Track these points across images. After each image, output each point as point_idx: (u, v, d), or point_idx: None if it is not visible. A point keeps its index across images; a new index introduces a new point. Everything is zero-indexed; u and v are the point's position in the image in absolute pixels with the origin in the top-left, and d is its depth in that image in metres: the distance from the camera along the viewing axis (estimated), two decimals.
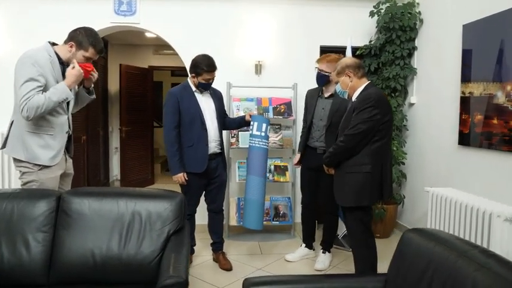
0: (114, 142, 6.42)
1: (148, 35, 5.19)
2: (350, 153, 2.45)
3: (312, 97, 3.32)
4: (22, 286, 1.90)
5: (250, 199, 3.14)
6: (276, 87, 3.97)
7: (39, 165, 2.26)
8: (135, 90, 6.17)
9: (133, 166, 6.16)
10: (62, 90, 2.20)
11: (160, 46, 6.62)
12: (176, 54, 4.03)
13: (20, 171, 2.31)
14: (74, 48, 2.31)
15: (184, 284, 1.58)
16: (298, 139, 3.54)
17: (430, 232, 1.53)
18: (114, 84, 6.31)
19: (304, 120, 3.40)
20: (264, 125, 3.13)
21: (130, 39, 6.15)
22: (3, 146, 2.34)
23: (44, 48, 2.29)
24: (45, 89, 2.21)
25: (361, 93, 2.52)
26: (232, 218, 3.88)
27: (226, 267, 3.13)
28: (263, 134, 3.13)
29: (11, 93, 3.65)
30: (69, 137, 2.47)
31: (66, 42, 2.34)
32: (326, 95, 3.20)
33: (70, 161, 2.55)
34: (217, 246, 3.22)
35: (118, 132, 6.26)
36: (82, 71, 2.29)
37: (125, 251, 1.99)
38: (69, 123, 2.45)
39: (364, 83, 2.56)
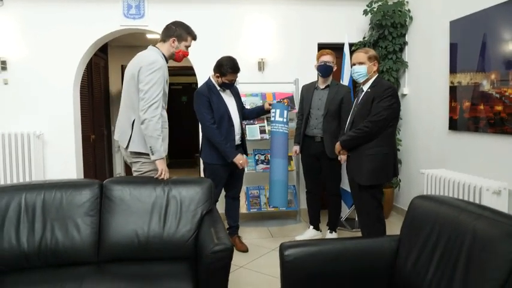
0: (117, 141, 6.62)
1: (148, 36, 5.40)
2: (372, 137, 2.73)
3: (308, 90, 3.61)
4: (75, 264, 2.13)
5: (276, 180, 3.45)
6: (279, 83, 4.25)
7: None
8: None
9: None
10: (159, 153, 2.40)
11: None
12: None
13: (139, 161, 2.51)
14: (176, 42, 2.56)
15: (231, 249, 1.85)
16: (295, 135, 3.81)
17: (433, 197, 1.82)
18: (114, 85, 6.49)
19: (300, 113, 3.69)
20: (285, 112, 3.47)
21: (130, 40, 6.32)
22: (127, 147, 2.52)
23: (158, 53, 2.50)
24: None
25: (374, 84, 2.80)
26: (242, 206, 4.13)
27: (243, 249, 3.41)
28: (284, 120, 3.46)
29: (29, 95, 3.90)
30: None
31: (165, 40, 2.56)
32: (322, 86, 3.50)
33: None
34: (233, 230, 3.48)
35: None
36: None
37: (165, 231, 2.24)
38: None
39: (376, 75, 2.87)
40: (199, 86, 4.18)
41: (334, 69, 3.47)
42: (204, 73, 4.14)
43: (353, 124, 2.85)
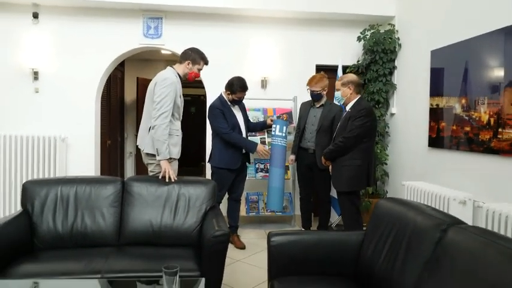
0: (129, 147, 7.11)
1: (162, 51, 5.91)
2: (346, 151, 3.22)
3: (305, 107, 4.10)
4: (100, 245, 2.57)
5: (274, 186, 3.95)
6: (279, 99, 4.72)
7: (171, 158, 2.92)
8: None
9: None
10: (164, 154, 2.83)
11: (171, 61, 7.35)
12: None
13: (153, 163, 2.96)
14: (191, 64, 3.06)
15: (228, 235, 2.29)
16: (292, 146, 4.27)
17: (394, 199, 2.25)
18: (129, 95, 7.00)
19: (298, 127, 4.15)
20: (284, 127, 3.98)
21: (145, 54, 6.85)
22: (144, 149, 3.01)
23: (172, 72, 3.01)
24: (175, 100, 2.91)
25: (354, 105, 3.29)
26: (242, 210, 4.55)
27: (241, 246, 3.84)
28: (283, 134, 3.96)
29: (57, 103, 4.42)
30: None
31: (182, 61, 3.07)
32: (317, 105, 3.96)
33: None
34: (233, 229, 3.91)
35: (133, 138, 6.95)
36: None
37: (175, 222, 2.69)
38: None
39: (357, 97, 3.34)
40: (207, 97, 4.69)
41: (323, 93, 3.90)
42: (212, 86, 4.64)
43: (335, 138, 3.33)
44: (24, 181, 4.24)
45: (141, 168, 6.78)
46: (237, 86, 3.65)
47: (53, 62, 4.54)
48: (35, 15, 4.48)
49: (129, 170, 7.14)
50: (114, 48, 4.65)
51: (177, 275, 1.69)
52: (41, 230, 2.54)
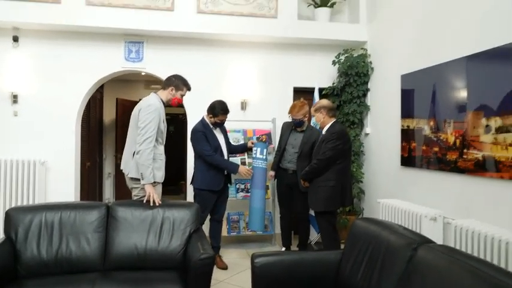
0: (107, 168, 7.08)
1: (142, 72, 5.98)
2: (320, 172, 3.38)
3: (287, 128, 4.22)
4: (85, 271, 2.59)
5: (255, 207, 4.04)
6: (258, 121, 4.86)
7: (155, 182, 2.99)
8: (129, 121, 6.87)
9: (127, 190, 6.76)
10: (148, 178, 2.91)
11: (151, 82, 7.44)
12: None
13: (137, 187, 3.04)
14: (174, 90, 3.16)
15: (213, 257, 2.38)
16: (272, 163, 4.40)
17: (369, 219, 2.40)
18: (108, 116, 7.01)
19: (279, 146, 4.28)
20: (265, 150, 4.11)
21: (123, 75, 6.89)
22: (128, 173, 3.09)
23: (156, 98, 3.10)
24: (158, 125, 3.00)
25: (328, 128, 3.47)
26: (223, 230, 4.62)
27: (223, 266, 3.90)
28: (264, 156, 4.09)
29: (36, 126, 4.43)
30: None
31: (165, 88, 3.18)
32: (299, 130, 4.10)
33: None
34: (215, 250, 3.97)
35: (112, 159, 6.94)
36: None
37: (160, 245, 2.75)
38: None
39: (332, 120, 3.52)
40: (188, 119, 4.79)
41: (305, 120, 4.01)
42: (192, 108, 4.74)
43: (310, 161, 3.49)
44: (1, 206, 4.24)
45: (120, 189, 6.75)
46: (219, 109, 3.77)
47: (33, 85, 4.55)
48: (15, 39, 4.50)
49: (108, 191, 7.09)
50: (95, 72, 4.70)
51: None
52: (25, 257, 2.55)
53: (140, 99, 7.41)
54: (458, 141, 3.28)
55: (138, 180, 2.99)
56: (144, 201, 2.90)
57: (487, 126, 2.96)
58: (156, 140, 3.03)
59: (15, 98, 4.48)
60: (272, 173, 4.28)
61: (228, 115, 3.96)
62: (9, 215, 2.65)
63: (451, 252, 1.69)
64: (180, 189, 8.24)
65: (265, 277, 2.32)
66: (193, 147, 3.84)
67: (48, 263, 2.56)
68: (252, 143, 4.12)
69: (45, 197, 4.47)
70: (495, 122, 2.88)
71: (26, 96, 4.53)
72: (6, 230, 2.63)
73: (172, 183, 9.48)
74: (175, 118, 9.93)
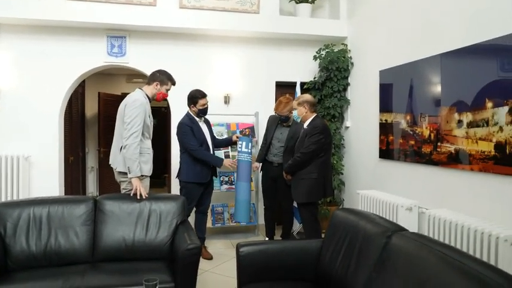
0: (90, 162, 7.07)
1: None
2: (303, 165, 3.50)
3: (273, 122, 4.33)
4: (75, 263, 2.66)
5: (240, 199, 4.16)
6: (241, 115, 4.95)
7: (142, 175, 3.06)
8: (111, 115, 6.87)
9: (110, 184, 6.79)
10: (135, 172, 2.98)
11: (132, 75, 7.42)
12: (145, 83, 4.89)
13: (125, 181, 3.10)
14: (159, 85, 3.21)
15: (200, 247, 2.49)
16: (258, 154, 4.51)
17: (348, 209, 2.54)
18: (90, 110, 6.98)
19: (265, 139, 4.39)
20: (250, 144, 4.19)
21: (106, 69, 6.87)
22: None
23: (141, 93, 3.16)
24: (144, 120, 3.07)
25: (310, 122, 3.59)
26: (208, 221, 4.72)
27: (208, 257, 4.01)
28: (249, 150, 4.18)
29: (19, 121, 4.41)
30: None
31: (150, 83, 3.23)
32: (285, 124, 4.21)
33: None
34: (201, 241, 4.05)
35: (95, 153, 6.93)
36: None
37: (147, 237, 2.83)
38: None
39: (313, 115, 3.64)
40: (172, 112, 4.85)
41: (290, 115, 4.11)
42: (176, 102, 4.80)
43: (294, 154, 3.62)
44: None
45: (103, 182, 6.76)
46: (196, 95, 3.85)
47: (15, 80, 4.52)
48: None
49: (91, 185, 7.08)
50: (77, 66, 4.70)
51: (157, 287, 1.86)
52: (15, 251, 2.59)
53: (122, 93, 7.54)
54: (432, 134, 3.45)
55: (126, 174, 3.05)
56: (131, 195, 2.97)
57: (459, 121, 3.13)
58: (143, 134, 3.09)
59: None
60: (257, 164, 4.40)
61: (212, 109, 4.04)
62: None
63: (421, 239, 1.84)
64: (163, 183, 8.28)
65: (250, 265, 2.44)
66: (179, 141, 3.91)
67: (37, 256, 2.61)
68: (237, 137, 4.21)
69: (29, 192, 4.47)
70: (467, 117, 3.05)
71: (7, 91, 4.50)
72: None
73: (156, 176, 9.52)
74: (158, 111, 9.91)
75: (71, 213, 2.79)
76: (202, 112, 3.92)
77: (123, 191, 3.16)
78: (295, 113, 3.81)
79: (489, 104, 2.83)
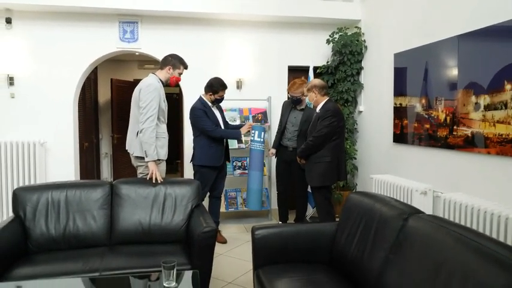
0: (104, 148, 7.15)
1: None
2: (316, 149, 3.51)
3: (287, 107, 4.32)
4: (93, 246, 2.71)
5: (253, 188, 4.19)
6: (254, 100, 4.94)
7: (159, 159, 3.11)
8: (124, 101, 6.91)
9: (124, 169, 6.90)
10: (151, 156, 3.02)
11: (144, 61, 7.44)
12: (157, 68, 4.90)
13: (142, 165, 3.15)
14: (171, 69, 3.23)
15: (215, 231, 2.51)
16: (273, 141, 4.52)
17: (362, 192, 2.53)
18: (103, 96, 7.03)
19: (280, 124, 4.39)
20: (263, 133, 4.19)
21: (118, 55, 6.88)
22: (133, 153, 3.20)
23: (155, 78, 3.18)
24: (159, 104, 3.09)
25: (322, 106, 3.57)
26: (221, 206, 4.77)
27: (222, 240, 4.05)
28: (261, 139, 4.19)
29: (34, 108, 4.46)
30: None
31: (162, 67, 3.25)
32: (298, 108, 4.20)
33: None
34: (215, 225, 4.11)
35: (109, 139, 7.00)
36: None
37: (163, 220, 2.87)
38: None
39: (325, 99, 3.61)
40: (184, 98, 4.86)
41: (303, 98, 4.10)
42: (188, 87, 4.81)
43: (307, 138, 3.62)
44: (3, 187, 4.32)
45: (117, 168, 6.85)
46: (218, 85, 3.85)
47: (29, 66, 4.57)
48: (8, 21, 4.48)
49: (105, 170, 7.18)
50: (90, 52, 4.72)
51: (175, 269, 1.89)
52: (34, 234, 2.66)
53: (134, 79, 7.57)
54: (448, 118, 3.40)
55: (143, 158, 3.08)
56: (148, 179, 3.01)
57: (476, 103, 3.07)
58: (158, 118, 3.11)
59: (11, 80, 4.50)
60: (273, 150, 4.40)
61: (225, 94, 4.03)
62: (16, 195, 2.75)
63: (438, 220, 1.83)
64: (176, 169, 8.35)
65: (265, 248, 2.46)
66: (194, 125, 3.91)
67: (56, 239, 2.67)
68: (251, 125, 4.18)
69: (45, 177, 4.55)
70: (484, 100, 2.99)
71: (22, 78, 4.55)
72: (15, 209, 2.72)
73: (169, 161, 9.60)
74: (170, 97, 9.91)
75: (88, 197, 2.83)
76: (218, 101, 3.94)
77: (139, 175, 3.19)
78: (307, 99, 3.80)
79: (508, 86, 2.77)
